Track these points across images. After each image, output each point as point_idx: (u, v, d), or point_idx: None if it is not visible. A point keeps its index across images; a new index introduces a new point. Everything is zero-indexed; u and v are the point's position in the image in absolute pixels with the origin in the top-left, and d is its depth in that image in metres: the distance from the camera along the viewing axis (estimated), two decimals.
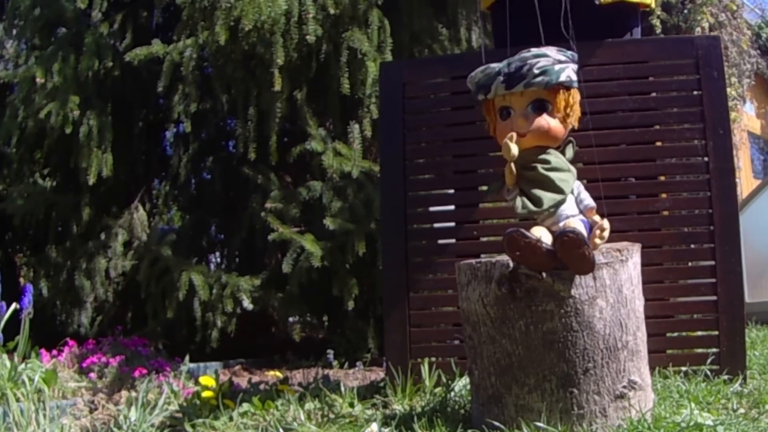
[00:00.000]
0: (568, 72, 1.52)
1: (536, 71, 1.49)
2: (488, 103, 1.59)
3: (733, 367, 1.90)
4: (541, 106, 1.52)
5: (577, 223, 1.45)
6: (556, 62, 1.51)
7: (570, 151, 1.57)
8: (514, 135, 1.48)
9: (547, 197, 1.47)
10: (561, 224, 1.46)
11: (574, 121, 1.56)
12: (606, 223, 1.47)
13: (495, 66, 1.55)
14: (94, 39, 3.78)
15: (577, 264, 1.37)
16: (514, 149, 1.47)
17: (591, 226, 1.50)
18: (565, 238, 1.35)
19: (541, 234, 1.42)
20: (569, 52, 1.55)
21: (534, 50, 1.53)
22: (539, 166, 1.50)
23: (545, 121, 1.51)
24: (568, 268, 1.39)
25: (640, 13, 2.30)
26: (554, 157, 1.52)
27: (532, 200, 1.48)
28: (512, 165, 1.50)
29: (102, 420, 2.12)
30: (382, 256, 2.27)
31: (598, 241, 1.47)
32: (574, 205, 1.52)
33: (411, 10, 3.79)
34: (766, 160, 11.79)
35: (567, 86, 1.52)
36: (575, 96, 1.54)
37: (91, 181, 3.62)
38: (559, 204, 1.48)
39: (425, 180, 2.23)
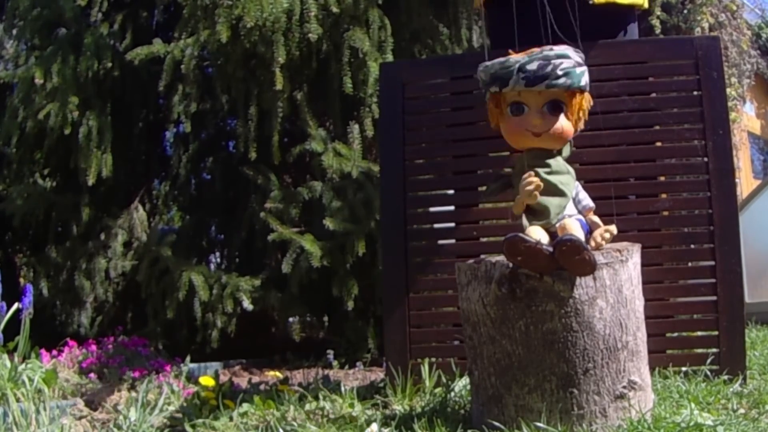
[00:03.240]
0: (587, 76, 1.52)
1: (560, 72, 1.48)
2: (498, 95, 1.56)
3: (733, 367, 1.90)
4: (557, 107, 1.51)
5: (574, 225, 1.44)
6: (578, 65, 1.50)
7: (567, 150, 1.56)
8: (539, 184, 1.45)
9: (553, 204, 1.47)
10: (557, 224, 1.45)
11: (582, 125, 1.57)
12: (614, 228, 1.47)
13: (514, 59, 1.51)
14: (93, 39, 3.78)
15: (578, 268, 1.37)
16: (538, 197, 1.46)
17: (589, 226, 1.50)
18: (563, 248, 1.34)
19: (539, 235, 1.42)
20: (582, 54, 1.55)
21: (556, 49, 1.51)
22: (540, 171, 1.49)
23: (562, 123, 1.51)
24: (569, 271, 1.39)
25: (635, 13, 2.29)
26: (553, 160, 1.52)
27: (537, 211, 1.47)
28: (524, 200, 1.48)
29: (102, 420, 2.12)
30: (382, 257, 2.27)
31: (600, 241, 1.46)
32: (572, 205, 1.52)
33: (411, 9, 3.79)
34: (765, 160, 11.78)
35: (583, 90, 1.53)
36: (588, 100, 1.55)
37: (91, 181, 3.62)
38: (564, 208, 1.48)
39: (425, 180, 2.23)
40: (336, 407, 1.87)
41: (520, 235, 1.37)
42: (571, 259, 1.35)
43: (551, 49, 1.51)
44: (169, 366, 3.00)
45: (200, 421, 1.86)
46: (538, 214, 1.47)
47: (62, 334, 3.46)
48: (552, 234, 1.44)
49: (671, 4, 6.22)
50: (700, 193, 2.03)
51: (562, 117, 1.51)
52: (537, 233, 1.42)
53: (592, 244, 1.46)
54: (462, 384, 1.86)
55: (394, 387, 2.00)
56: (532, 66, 1.49)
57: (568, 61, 1.49)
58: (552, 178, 1.49)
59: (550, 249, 1.36)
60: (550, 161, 1.51)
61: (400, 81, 2.21)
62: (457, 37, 3.98)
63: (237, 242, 3.95)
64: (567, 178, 1.51)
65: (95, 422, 2.09)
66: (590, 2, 2.07)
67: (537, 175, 1.48)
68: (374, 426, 1.57)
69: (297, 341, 3.71)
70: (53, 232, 4.01)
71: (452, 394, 1.83)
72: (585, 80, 1.52)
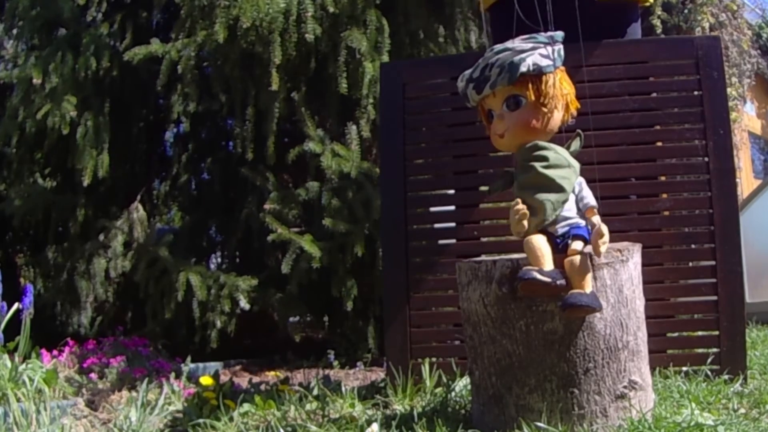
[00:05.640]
0: (532, 59, 1.45)
1: (497, 69, 1.46)
2: (479, 108, 1.57)
3: (733, 367, 1.90)
4: (515, 102, 1.48)
5: (584, 268, 1.38)
6: (517, 53, 1.46)
7: (576, 144, 1.51)
8: (525, 211, 1.42)
9: (550, 200, 1.43)
10: (559, 230, 1.43)
11: (557, 105, 1.48)
12: (604, 228, 1.40)
13: (466, 73, 1.53)
14: (91, 39, 3.78)
15: None
16: (527, 225, 1.43)
17: (591, 229, 1.47)
18: (576, 319, 1.39)
19: (544, 250, 1.39)
20: (542, 36, 1.49)
21: (497, 47, 1.50)
22: (537, 165, 1.45)
23: (521, 116, 1.47)
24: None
25: (639, 10, 2.29)
26: (553, 152, 1.46)
27: (533, 207, 1.44)
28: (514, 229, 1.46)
29: (102, 420, 2.12)
30: (382, 257, 2.27)
31: (599, 249, 1.43)
32: (574, 203, 1.47)
33: (409, 10, 3.79)
34: (766, 160, 11.78)
35: (534, 74, 1.46)
36: (550, 80, 1.47)
37: (87, 181, 3.61)
38: (563, 204, 1.44)
39: (425, 180, 2.23)
40: (336, 407, 1.87)
41: (534, 275, 1.35)
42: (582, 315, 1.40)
43: (492, 49, 1.51)
44: (169, 366, 3.00)
45: (201, 421, 1.86)
46: (534, 210, 1.43)
47: (62, 334, 3.46)
48: (549, 234, 1.43)
49: (672, 4, 6.22)
50: (701, 193, 2.03)
51: (521, 110, 1.47)
52: (538, 242, 1.39)
53: (594, 253, 1.43)
54: (462, 384, 1.86)
55: (395, 387, 2.00)
56: (476, 73, 1.50)
57: (506, 54, 1.47)
58: (549, 172, 1.44)
59: (564, 283, 1.37)
60: (548, 154, 1.46)
61: (400, 81, 2.21)
62: (453, 38, 3.98)
63: (236, 242, 3.95)
64: (567, 172, 1.46)
65: (95, 422, 2.09)
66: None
67: (534, 170, 1.46)
68: (375, 426, 1.57)
69: (297, 341, 3.72)
70: (53, 232, 4.01)
71: (453, 394, 1.83)
72: (528, 65, 1.44)
